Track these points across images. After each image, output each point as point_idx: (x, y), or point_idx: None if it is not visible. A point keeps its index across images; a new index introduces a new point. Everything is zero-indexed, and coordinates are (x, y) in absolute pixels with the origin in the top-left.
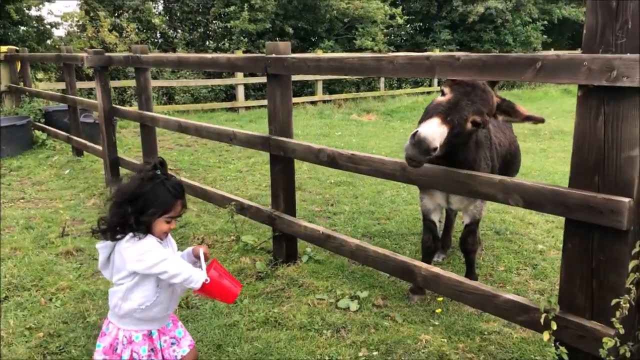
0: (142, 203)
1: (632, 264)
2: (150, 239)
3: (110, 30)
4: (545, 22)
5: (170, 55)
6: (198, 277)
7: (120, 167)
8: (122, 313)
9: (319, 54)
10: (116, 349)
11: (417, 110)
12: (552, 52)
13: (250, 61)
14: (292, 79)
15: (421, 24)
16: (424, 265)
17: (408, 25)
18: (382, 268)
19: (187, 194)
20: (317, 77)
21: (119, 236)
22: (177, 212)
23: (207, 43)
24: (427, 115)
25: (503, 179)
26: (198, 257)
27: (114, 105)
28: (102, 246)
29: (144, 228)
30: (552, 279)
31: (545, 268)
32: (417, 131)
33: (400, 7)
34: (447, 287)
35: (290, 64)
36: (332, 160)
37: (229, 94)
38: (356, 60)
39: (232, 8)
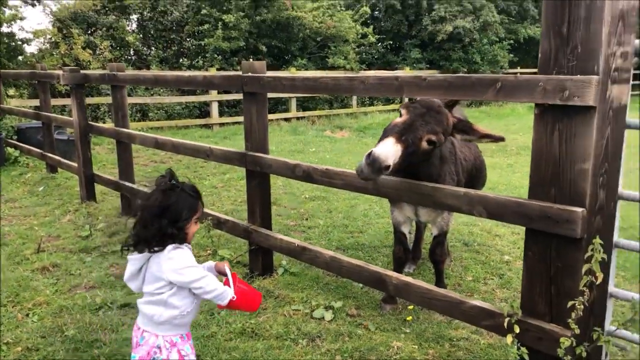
0: (173, 212)
1: (584, 267)
2: (188, 252)
3: (83, 48)
4: (512, 42)
5: (147, 73)
6: (227, 294)
7: (95, 184)
8: (162, 320)
9: (293, 71)
10: (154, 357)
11: None
12: (513, 73)
13: (227, 80)
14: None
15: (392, 43)
16: (395, 274)
17: (379, 44)
18: (356, 278)
19: None
20: (291, 94)
21: (157, 248)
22: (201, 211)
23: (181, 60)
24: (384, 135)
25: (467, 192)
26: (220, 273)
27: (89, 122)
28: (134, 258)
29: (183, 234)
30: (518, 287)
31: (511, 278)
32: (372, 151)
33: (372, 26)
34: (417, 294)
35: (266, 82)
36: (308, 175)
37: (203, 110)
38: (330, 80)
39: (206, 26)
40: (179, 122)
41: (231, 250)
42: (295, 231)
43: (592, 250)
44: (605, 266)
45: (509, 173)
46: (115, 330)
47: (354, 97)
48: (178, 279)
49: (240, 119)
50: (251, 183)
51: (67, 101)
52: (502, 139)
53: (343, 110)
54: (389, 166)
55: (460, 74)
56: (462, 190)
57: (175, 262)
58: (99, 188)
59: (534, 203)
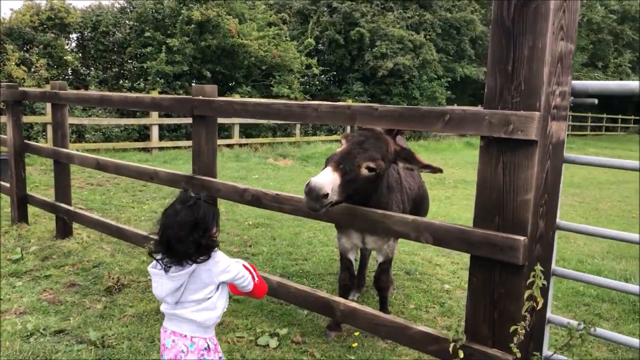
0: (202, 225)
1: (526, 293)
2: (223, 253)
3: (17, 65)
4: (450, 79)
5: (93, 92)
6: (251, 279)
7: (28, 205)
8: (211, 323)
9: (236, 98)
10: (204, 359)
11: None
12: (458, 107)
13: (177, 102)
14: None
15: (335, 75)
16: (342, 300)
17: (323, 76)
18: (303, 304)
19: (101, 234)
20: (235, 120)
21: (203, 258)
22: (218, 215)
23: (122, 82)
24: (325, 165)
25: (415, 219)
26: None
27: (25, 141)
28: (177, 275)
29: (215, 242)
30: (458, 315)
31: (452, 306)
32: (310, 180)
33: (316, 58)
34: (364, 320)
35: (217, 106)
36: (257, 200)
37: (142, 133)
38: (282, 106)
39: (149, 49)
40: (117, 144)
41: None
42: (238, 258)
43: (533, 276)
44: (544, 293)
45: (447, 205)
46: (49, 357)
47: (297, 126)
48: (227, 276)
49: (182, 143)
50: None
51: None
52: (440, 170)
53: (286, 138)
54: (327, 194)
55: (411, 106)
56: (410, 217)
57: (222, 263)
58: (31, 210)
59: (479, 231)
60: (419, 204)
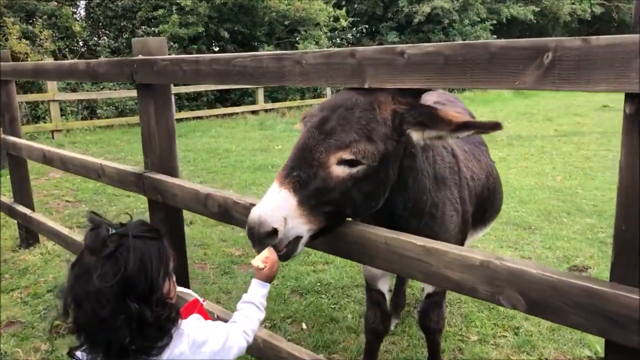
0: (142, 280)
1: None
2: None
3: (19, 38)
4: (494, 22)
5: (27, 63)
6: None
7: None
8: None
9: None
10: None
11: None
12: (573, 38)
13: (114, 67)
14: (232, 87)
15: (367, 26)
16: None
17: (353, 28)
18: None
19: (55, 244)
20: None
21: (154, 353)
22: (173, 254)
23: None
24: None
25: (488, 262)
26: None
27: None
28: None
29: (172, 309)
30: (542, 349)
31: (531, 333)
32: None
33: (345, 9)
34: None
35: (161, 68)
36: (225, 212)
37: None
38: (249, 61)
39: (160, 12)
40: (131, 119)
41: None
42: (240, 264)
43: None
44: None
45: (503, 169)
46: None
47: None
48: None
49: (202, 112)
50: (155, 217)
51: None
52: (497, 127)
53: (316, 100)
54: (274, 231)
55: (469, 41)
56: (479, 256)
57: (196, 334)
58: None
59: (626, 294)
60: (487, 200)
